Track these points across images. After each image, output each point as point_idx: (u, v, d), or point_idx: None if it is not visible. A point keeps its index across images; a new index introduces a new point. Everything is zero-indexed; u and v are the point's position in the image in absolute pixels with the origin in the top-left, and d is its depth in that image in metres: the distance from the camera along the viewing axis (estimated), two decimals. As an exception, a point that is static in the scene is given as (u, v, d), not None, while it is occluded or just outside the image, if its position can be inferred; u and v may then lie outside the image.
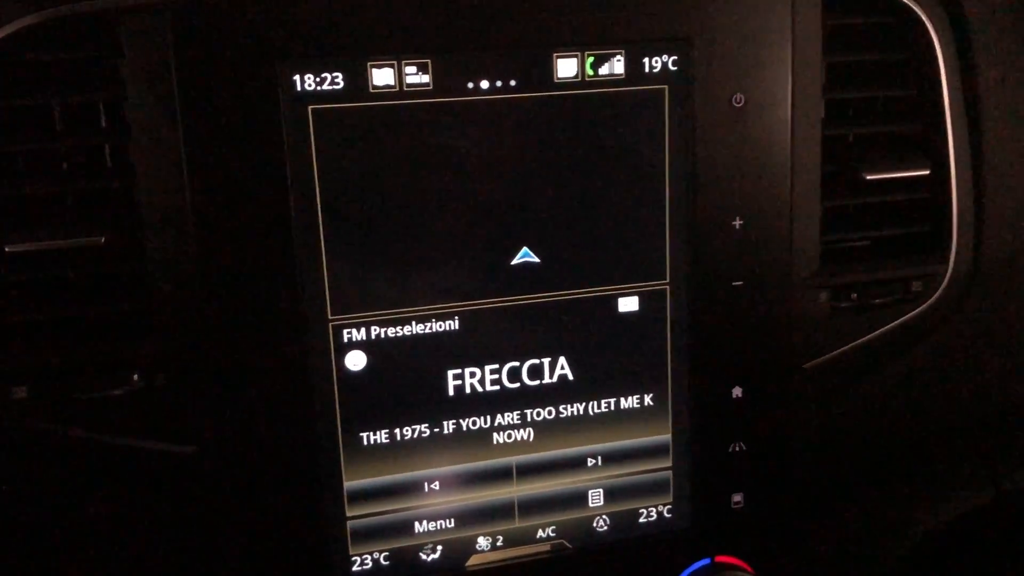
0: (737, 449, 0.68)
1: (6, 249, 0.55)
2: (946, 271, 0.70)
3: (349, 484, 0.63)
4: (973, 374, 0.74)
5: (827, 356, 0.69)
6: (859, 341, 0.69)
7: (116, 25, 0.55)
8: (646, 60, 0.61)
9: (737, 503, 0.69)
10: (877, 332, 0.69)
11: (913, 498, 0.78)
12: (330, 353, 0.60)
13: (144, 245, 0.57)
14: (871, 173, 0.67)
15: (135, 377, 0.58)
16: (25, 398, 0.57)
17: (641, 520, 0.68)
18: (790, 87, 0.64)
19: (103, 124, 0.57)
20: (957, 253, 0.69)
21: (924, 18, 0.66)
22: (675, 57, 0.61)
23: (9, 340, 0.57)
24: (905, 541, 0.78)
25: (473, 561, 0.66)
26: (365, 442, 0.62)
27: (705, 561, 0.69)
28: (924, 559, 0.78)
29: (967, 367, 0.74)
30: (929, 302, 0.70)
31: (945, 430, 0.76)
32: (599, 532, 0.68)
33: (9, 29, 0.53)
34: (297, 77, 0.56)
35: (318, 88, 0.57)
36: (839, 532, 0.76)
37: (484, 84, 0.59)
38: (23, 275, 0.56)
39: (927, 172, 0.68)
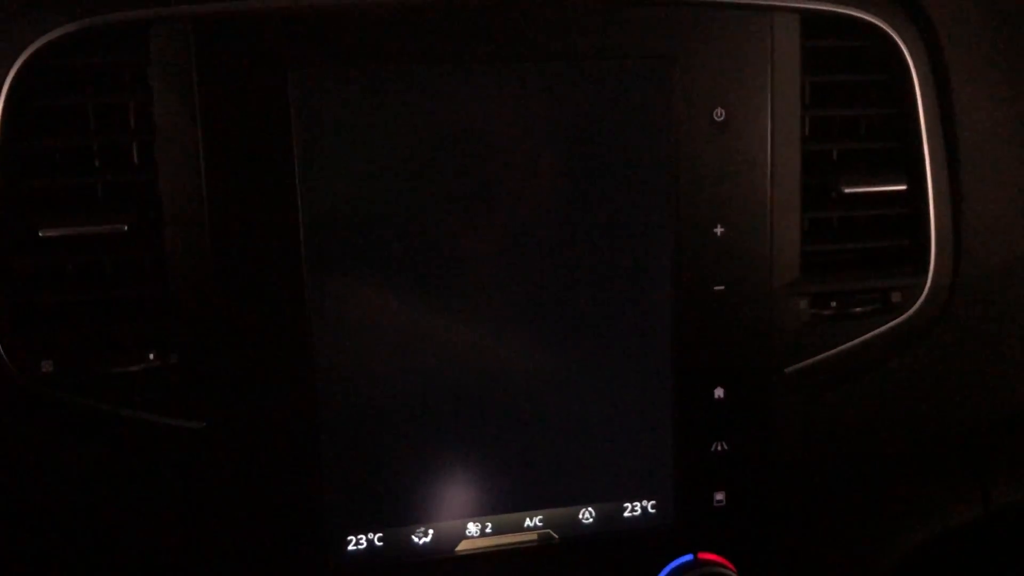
0: (719, 448, 0.71)
1: (40, 234, 0.61)
2: (925, 283, 0.72)
3: (348, 466, 0.66)
4: (957, 385, 0.76)
5: (808, 361, 0.71)
6: (839, 348, 0.72)
7: (145, 34, 0.60)
8: (631, 76, 0.65)
9: (719, 501, 0.72)
10: (857, 340, 0.72)
11: (898, 508, 0.80)
12: (335, 340, 0.65)
13: (163, 234, 0.62)
14: (849, 187, 0.70)
15: (151, 355, 0.63)
16: (51, 371, 0.62)
17: (626, 515, 0.71)
18: (769, 104, 0.68)
19: (131, 124, 0.63)
20: (936, 266, 0.72)
21: (899, 41, 0.69)
22: (659, 73, 0.66)
23: (39, 317, 0.62)
24: (890, 552, 0.79)
25: (462, 546, 0.70)
26: (365, 427, 0.66)
27: (688, 557, 0.72)
28: (911, 572, 0.80)
29: (951, 378, 0.76)
30: (909, 313, 0.72)
31: (931, 441, 0.78)
32: (585, 524, 0.71)
33: (50, 36, 0.59)
34: (306, 83, 0.62)
35: (326, 94, 0.62)
36: (822, 539, 0.78)
37: (477, 94, 0.64)
38: (54, 259, 0.62)
39: (904, 187, 0.71)
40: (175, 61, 0.61)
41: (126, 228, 0.61)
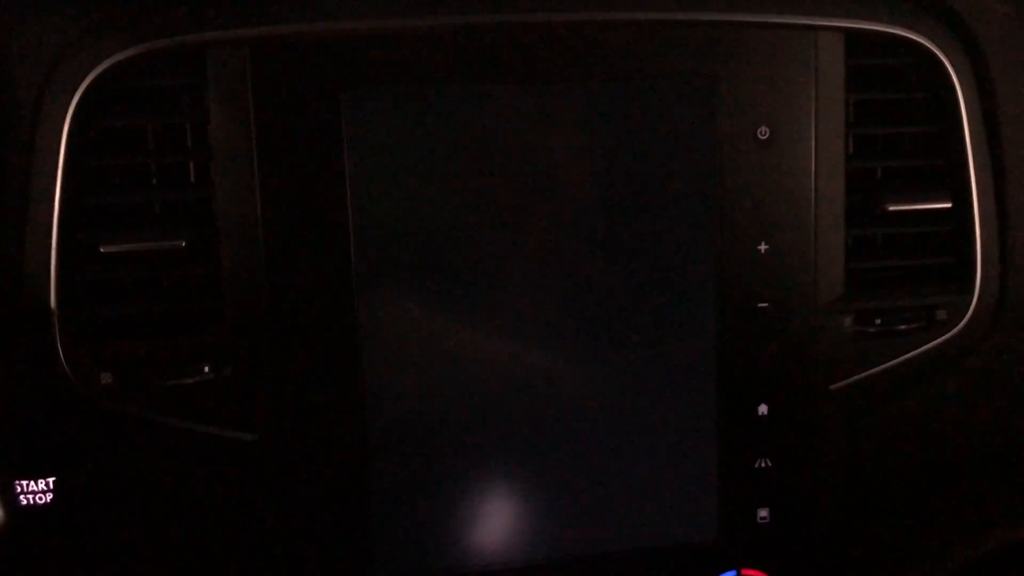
0: (763, 465, 0.71)
1: (101, 250, 0.63)
2: (971, 301, 0.72)
3: (390, 475, 0.68)
4: (1003, 403, 0.76)
5: (853, 379, 0.72)
6: (885, 366, 0.72)
7: (202, 57, 0.62)
8: (676, 95, 0.66)
9: (763, 518, 0.72)
10: (903, 358, 0.72)
11: (947, 527, 0.79)
12: (385, 356, 0.66)
13: (219, 251, 0.64)
14: (893, 204, 0.70)
15: (205, 368, 0.64)
16: (110, 383, 0.64)
17: (668, 530, 0.72)
18: (813, 122, 0.68)
19: (189, 144, 0.65)
20: (982, 284, 0.72)
21: (943, 58, 0.69)
22: (703, 91, 0.66)
23: (99, 331, 0.64)
24: (939, 571, 0.78)
25: (501, 558, 0.70)
26: (414, 444, 0.68)
27: (731, 573, 0.72)
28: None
29: (997, 396, 0.75)
30: (954, 331, 0.72)
31: (981, 459, 0.77)
32: (626, 539, 0.71)
33: (113, 60, 0.61)
34: (359, 104, 0.63)
35: (378, 114, 0.64)
36: (867, 557, 0.78)
37: (525, 113, 0.65)
38: (114, 274, 0.64)
39: (949, 205, 0.71)
40: (231, 83, 0.63)
41: (183, 244, 0.63)
